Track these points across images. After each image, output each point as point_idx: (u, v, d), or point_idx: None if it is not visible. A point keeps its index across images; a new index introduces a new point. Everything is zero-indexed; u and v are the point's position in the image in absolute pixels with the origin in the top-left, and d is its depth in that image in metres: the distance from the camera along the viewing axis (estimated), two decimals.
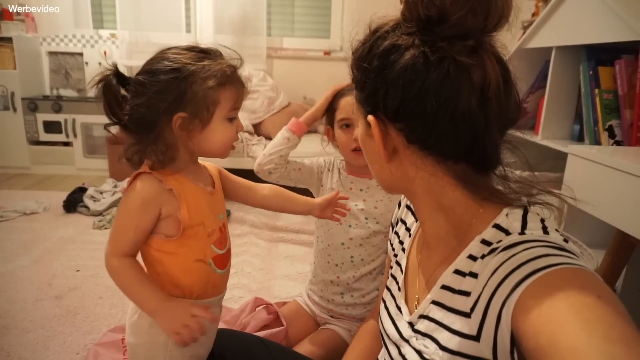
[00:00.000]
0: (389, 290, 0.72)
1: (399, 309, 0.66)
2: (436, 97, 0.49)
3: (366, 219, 1.16)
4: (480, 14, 0.48)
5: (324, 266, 1.23)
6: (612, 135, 1.38)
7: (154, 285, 0.82)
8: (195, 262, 0.85)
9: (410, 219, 0.73)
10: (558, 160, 1.60)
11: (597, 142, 1.45)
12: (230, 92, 0.82)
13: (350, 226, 1.17)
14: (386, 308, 0.70)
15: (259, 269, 2.00)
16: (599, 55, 1.48)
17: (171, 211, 0.82)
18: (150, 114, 0.78)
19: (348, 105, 1.13)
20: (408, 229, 0.72)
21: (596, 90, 1.43)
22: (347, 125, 1.14)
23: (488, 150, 0.53)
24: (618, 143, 1.38)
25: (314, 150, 2.71)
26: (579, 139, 1.67)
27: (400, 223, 0.75)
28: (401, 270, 0.69)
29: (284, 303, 1.40)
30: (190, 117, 0.79)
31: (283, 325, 1.21)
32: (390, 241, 0.79)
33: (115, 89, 0.80)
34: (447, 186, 0.55)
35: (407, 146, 0.54)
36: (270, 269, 2.01)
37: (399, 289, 0.68)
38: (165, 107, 0.78)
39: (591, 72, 1.46)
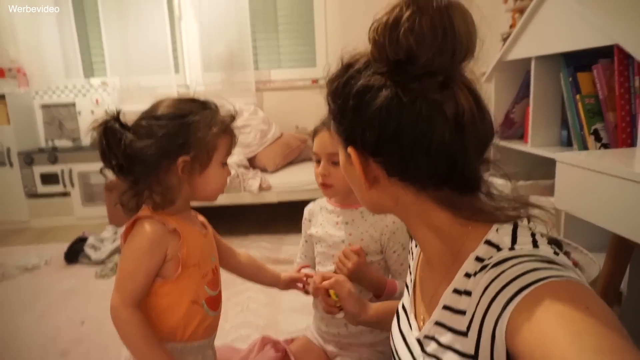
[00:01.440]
0: (403, 305, 0.72)
1: (410, 325, 0.66)
2: (411, 133, 0.51)
3: None
4: (447, 53, 0.49)
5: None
6: (598, 138, 1.40)
7: (159, 345, 0.83)
8: (189, 303, 0.87)
9: None
10: (550, 167, 1.61)
11: (584, 146, 1.46)
12: (227, 140, 0.89)
13: None
14: (398, 323, 0.70)
15: (265, 304, 1.98)
16: (577, 61, 1.51)
17: (175, 252, 0.85)
18: (155, 156, 0.82)
19: (318, 141, 1.14)
20: (417, 245, 0.73)
21: (577, 96, 1.45)
22: (318, 160, 1.16)
23: (467, 174, 0.54)
24: (605, 146, 1.39)
25: (309, 179, 2.73)
26: (568, 144, 1.69)
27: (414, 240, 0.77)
28: (411, 287, 0.70)
29: (292, 340, 1.38)
30: (192, 160, 0.84)
31: None
32: (411, 255, 0.80)
33: (118, 132, 0.83)
34: (431, 210, 0.56)
35: (385, 177, 0.56)
36: (276, 303, 1.99)
37: (410, 305, 0.68)
38: (171, 150, 0.82)
39: (571, 79, 1.49)
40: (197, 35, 3.42)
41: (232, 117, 0.91)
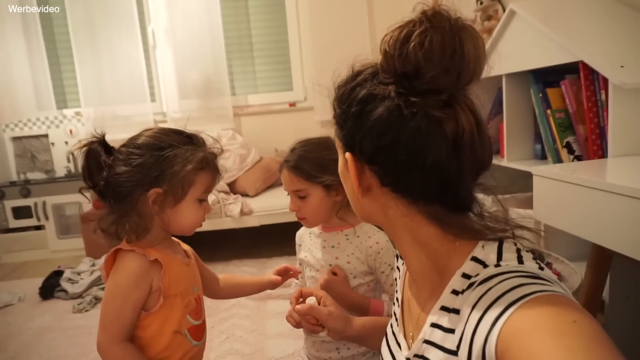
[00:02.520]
0: (391, 325, 0.71)
1: (399, 345, 0.66)
2: (408, 147, 0.52)
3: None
4: (453, 73, 0.50)
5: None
6: (571, 151, 1.44)
7: None
8: (172, 334, 0.86)
9: None
10: (528, 180, 1.65)
11: (558, 158, 1.51)
12: (206, 177, 0.88)
13: None
14: (388, 343, 0.70)
15: (250, 330, 1.94)
16: (546, 77, 1.57)
17: (159, 283, 0.84)
18: (129, 184, 0.81)
19: (282, 179, 1.16)
20: (403, 262, 0.72)
21: (548, 111, 1.50)
22: (288, 194, 1.18)
23: (460, 194, 0.55)
24: (578, 158, 1.44)
25: (281, 203, 2.72)
26: (543, 157, 1.74)
27: (400, 258, 0.76)
28: (398, 305, 0.70)
29: None
30: (165, 193, 0.83)
31: None
32: (395, 277, 0.79)
33: (100, 155, 0.83)
34: (420, 224, 0.56)
35: (378, 186, 0.56)
36: (262, 329, 1.95)
37: (397, 324, 0.68)
38: (144, 180, 0.81)
39: (541, 95, 1.54)
40: (173, 63, 3.42)
41: (215, 155, 0.90)
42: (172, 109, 3.46)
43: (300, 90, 3.61)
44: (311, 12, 3.34)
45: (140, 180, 0.81)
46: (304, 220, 1.13)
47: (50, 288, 2.50)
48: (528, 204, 1.73)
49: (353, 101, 0.56)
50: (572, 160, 1.45)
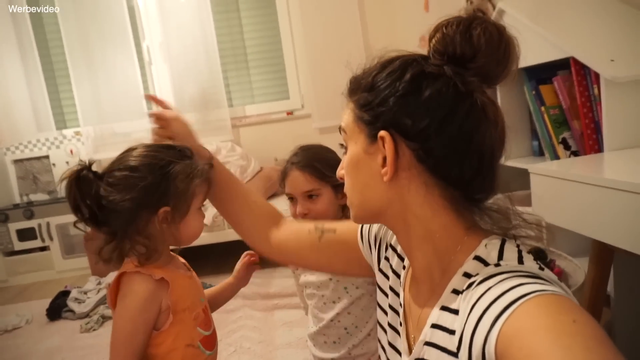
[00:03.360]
0: (384, 329, 0.71)
1: (398, 353, 0.65)
2: (460, 125, 0.54)
3: (345, 288, 1.15)
4: (501, 65, 0.55)
5: (322, 346, 1.21)
6: (567, 146, 1.45)
7: None
8: (185, 347, 0.86)
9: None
10: (526, 177, 1.65)
11: (555, 155, 1.51)
12: (204, 186, 0.88)
13: (333, 302, 1.17)
14: (385, 354, 0.69)
15: (258, 341, 1.94)
16: (538, 74, 1.57)
17: (167, 302, 0.83)
18: (134, 208, 0.80)
19: (291, 182, 1.16)
20: (401, 258, 0.71)
21: (542, 108, 1.51)
22: (291, 198, 1.17)
23: (487, 181, 0.57)
24: (575, 153, 1.44)
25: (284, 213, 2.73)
26: (540, 153, 1.74)
27: (390, 249, 0.74)
28: (395, 312, 0.69)
29: None
30: (172, 210, 0.83)
31: None
32: (379, 266, 0.76)
33: (91, 182, 0.80)
34: (437, 211, 0.57)
35: (414, 166, 0.56)
36: (270, 340, 1.95)
37: (400, 324, 0.67)
38: (151, 202, 0.81)
39: (534, 92, 1.54)
40: (169, 78, 3.44)
41: (210, 165, 0.89)
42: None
43: (297, 98, 3.62)
44: (303, 19, 3.36)
45: (147, 202, 0.81)
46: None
47: (57, 309, 2.51)
48: (527, 201, 1.73)
49: (398, 80, 0.56)
50: (569, 156, 1.45)
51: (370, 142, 0.58)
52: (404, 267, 0.70)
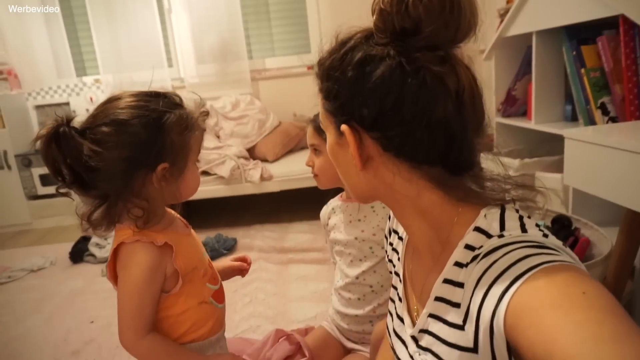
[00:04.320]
0: (393, 302, 0.71)
1: (401, 319, 0.65)
2: (413, 105, 0.50)
3: (370, 248, 1.16)
4: (452, 27, 0.49)
5: (346, 303, 1.22)
6: (605, 112, 1.38)
7: (188, 352, 0.82)
8: (198, 305, 0.84)
9: (401, 228, 0.72)
10: (555, 143, 1.59)
11: (591, 120, 1.44)
12: (199, 137, 0.82)
13: (360, 260, 1.17)
14: (392, 322, 0.69)
15: (273, 294, 1.98)
16: (580, 34, 1.48)
17: (172, 266, 0.80)
18: (129, 168, 0.73)
19: (307, 134, 1.20)
20: (401, 238, 0.71)
21: (582, 70, 1.43)
22: (315, 149, 1.19)
23: (464, 153, 0.53)
24: (613, 119, 1.37)
25: (301, 168, 2.72)
26: (573, 118, 1.67)
27: (393, 233, 0.75)
28: (400, 280, 0.68)
29: (307, 329, 1.38)
30: (171, 166, 0.76)
31: (306, 357, 1.19)
32: (387, 255, 0.78)
33: (73, 140, 0.71)
34: (423, 190, 0.55)
35: (382, 154, 0.54)
36: (285, 293, 1.98)
37: (400, 300, 0.67)
38: (146, 159, 0.73)
39: (574, 53, 1.46)
40: (189, 28, 3.36)
41: (206, 114, 0.82)
42: (189, 74, 3.43)
43: (318, 52, 3.51)
44: None
45: (141, 161, 0.73)
46: (317, 178, 1.18)
47: (79, 252, 2.59)
48: (555, 167, 1.68)
49: (347, 67, 0.53)
50: (607, 122, 1.39)
51: (338, 134, 0.56)
52: (402, 243, 0.70)
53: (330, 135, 0.59)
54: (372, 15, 0.53)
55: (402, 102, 0.50)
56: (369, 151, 0.55)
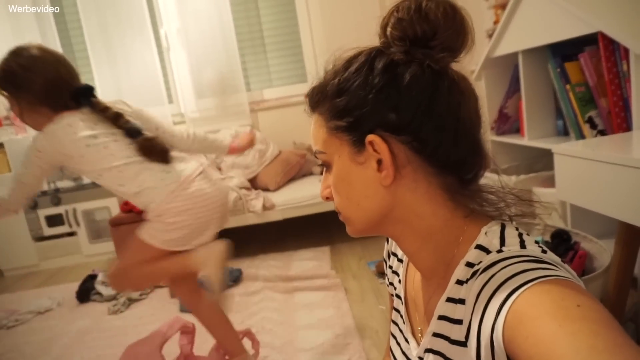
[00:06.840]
0: (396, 324, 0.71)
1: (407, 341, 0.66)
2: (446, 104, 0.53)
3: None
4: (461, 35, 0.53)
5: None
6: (593, 125, 1.40)
7: None
8: None
9: (400, 251, 0.72)
10: (550, 157, 1.61)
11: (581, 134, 1.47)
12: None
13: None
14: (398, 344, 0.70)
15: (279, 323, 1.97)
16: (563, 51, 1.52)
17: None
18: None
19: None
20: (400, 260, 0.71)
21: (567, 86, 1.46)
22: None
23: (477, 156, 0.56)
24: (601, 132, 1.39)
25: (311, 194, 2.74)
26: (565, 133, 1.69)
27: (392, 256, 0.75)
28: (402, 302, 0.69)
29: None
30: None
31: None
32: (387, 278, 0.78)
33: None
34: (438, 203, 0.55)
35: (410, 160, 0.53)
36: (291, 321, 1.98)
37: (404, 322, 0.67)
38: None
39: (559, 69, 1.49)
40: (187, 64, 3.45)
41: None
42: (189, 109, 3.51)
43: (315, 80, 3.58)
44: (321, 1, 3.31)
45: None
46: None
47: (86, 292, 2.60)
48: (551, 182, 1.69)
49: (369, 75, 0.53)
50: (596, 135, 1.41)
51: (357, 150, 0.54)
52: (402, 265, 0.70)
53: (342, 158, 0.56)
54: (383, 30, 0.55)
55: (435, 100, 0.52)
56: (399, 159, 0.53)
